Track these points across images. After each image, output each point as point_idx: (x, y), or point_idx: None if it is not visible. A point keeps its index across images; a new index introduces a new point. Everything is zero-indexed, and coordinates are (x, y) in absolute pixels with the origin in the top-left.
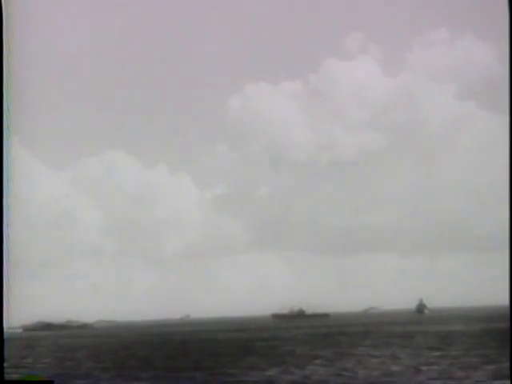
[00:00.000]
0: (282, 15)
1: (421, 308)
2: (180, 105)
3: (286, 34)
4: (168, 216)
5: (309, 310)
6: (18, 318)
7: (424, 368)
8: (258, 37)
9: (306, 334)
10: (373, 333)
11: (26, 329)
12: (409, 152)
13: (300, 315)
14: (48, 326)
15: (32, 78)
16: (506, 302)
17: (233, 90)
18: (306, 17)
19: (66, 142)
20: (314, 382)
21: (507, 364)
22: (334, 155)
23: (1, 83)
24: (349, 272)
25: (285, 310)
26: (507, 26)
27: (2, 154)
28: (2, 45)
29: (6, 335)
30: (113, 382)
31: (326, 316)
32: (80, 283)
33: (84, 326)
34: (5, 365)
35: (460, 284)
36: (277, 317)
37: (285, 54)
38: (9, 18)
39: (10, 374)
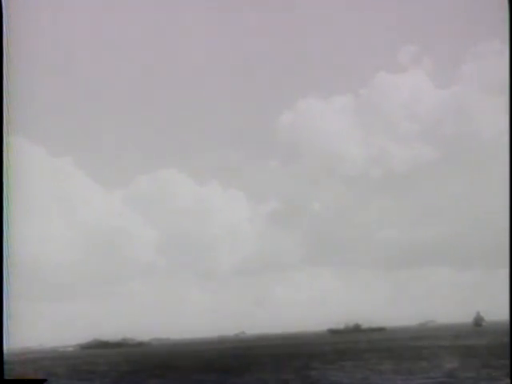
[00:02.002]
0: (333, 30)
1: (478, 321)
2: (232, 121)
3: (337, 48)
4: (221, 232)
5: (364, 325)
6: (73, 335)
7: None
8: (309, 52)
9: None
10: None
11: (83, 347)
12: (461, 165)
13: (356, 330)
14: (104, 344)
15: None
16: None
17: (284, 106)
18: (356, 31)
19: (118, 161)
20: None
21: None
22: (386, 168)
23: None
24: (404, 286)
25: (340, 325)
26: (507, 26)
27: (2, 158)
28: (2, 49)
29: (58, 353)
30: None
31: (382, 330)
32: (135, 301)
33: (140, 344)
34: None
35: None
36: (333, 332)
37: (336, 68)
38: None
39: None
